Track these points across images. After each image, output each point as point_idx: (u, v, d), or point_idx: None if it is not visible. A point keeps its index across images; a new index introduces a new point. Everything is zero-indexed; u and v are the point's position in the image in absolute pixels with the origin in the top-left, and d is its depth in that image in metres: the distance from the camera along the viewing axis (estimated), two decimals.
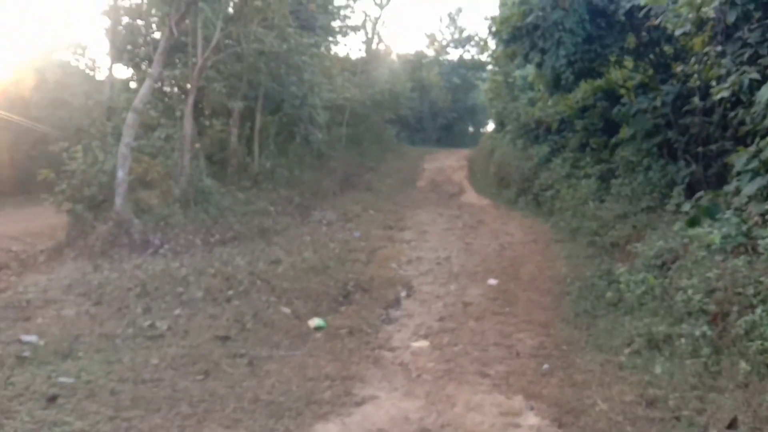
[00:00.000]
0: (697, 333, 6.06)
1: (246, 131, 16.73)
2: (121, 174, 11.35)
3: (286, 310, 7.84)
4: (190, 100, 13.41)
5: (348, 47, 52.57)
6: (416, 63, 38.29)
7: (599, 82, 15.14)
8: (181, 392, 5.24)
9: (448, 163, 28.04)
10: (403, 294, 9.15)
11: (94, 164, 12.42)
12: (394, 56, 36.77)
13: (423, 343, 7.10)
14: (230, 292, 8.42)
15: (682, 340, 6.14)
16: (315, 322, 7.45)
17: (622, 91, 14.40)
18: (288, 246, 11.89)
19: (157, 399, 5.06)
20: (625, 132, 13.29)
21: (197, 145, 13.31)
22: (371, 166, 25.09)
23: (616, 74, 14.77)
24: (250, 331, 7.00)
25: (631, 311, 7.68)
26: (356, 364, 6.27)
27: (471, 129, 48.03)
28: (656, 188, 11.59)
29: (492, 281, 9.67)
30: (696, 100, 10.52)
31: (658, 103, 11.91)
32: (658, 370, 5.68)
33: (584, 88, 15.31)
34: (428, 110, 39.39)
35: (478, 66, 43.20)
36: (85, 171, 12.30)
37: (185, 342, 6.50)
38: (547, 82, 14.10)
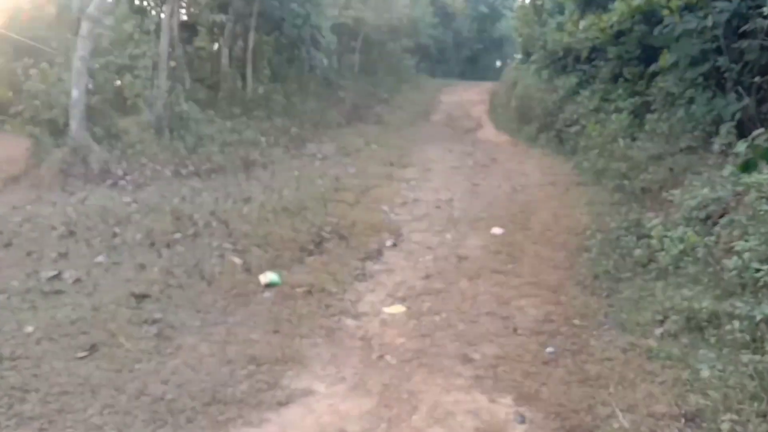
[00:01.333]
0: (758, 315, 4.47)
1: (238, 53, 15.00)
2: (75, 93, 9.85)
3: (237, 260, 6.36)
4: (167, 11, 11.70)
5: None
6: None
7: (638, 1, 13.03)
8: (41, 378, 3.82)
9: (468, 97, 25.95)
10: (389, 243, 7.60)
11: (56, 84, 10.91)
12: None
13: (398, 309, 5.59)
14: (177, 235, 6.97)
15: (735, 323, 4.55)
16: (267, 277, 5.96)
17: (665, 12, 12.27)
18: (270, 181, 10.39)
19: (1, 389, 3.65)
20: (665, 59, 11.32)
21: (173, 64, 11.64)
22: (384, 98, 23.21)
23: None
24: (180, 287, 5.54)
25: (664, 276, 6.09)
26: (302, 338, 4.79)
27: (498, 63, 45.24)
28: (699, 125, 9.76)
29: (496, 230, 8.07)
30: (765, 11, 8.50)
31: (708, 22, 9.89)
32: (703, 370, 4.09)
33: (620, 8, 13.15)
34: (452, 40, 36.81)
35: None
36: (47, 91, 10.80)
37: (89, 301, 5.07)
38: None
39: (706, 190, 6.96)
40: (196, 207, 8.13)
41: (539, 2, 19.32)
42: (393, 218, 8.70)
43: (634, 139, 11.11)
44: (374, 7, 23.59)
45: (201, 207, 8.16)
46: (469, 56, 39.69)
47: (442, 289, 6.05)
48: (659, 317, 5.21)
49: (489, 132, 18.34)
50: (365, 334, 5.04)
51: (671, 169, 9.07)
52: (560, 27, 17.09)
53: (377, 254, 7.18)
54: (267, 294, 5.67)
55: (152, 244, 6.59)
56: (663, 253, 6.41)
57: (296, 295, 5.65)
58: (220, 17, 13.29)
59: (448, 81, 32.57)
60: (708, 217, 6.67)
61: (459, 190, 10.44)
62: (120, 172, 9.98)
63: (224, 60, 14.45)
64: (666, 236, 6.63)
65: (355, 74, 23.71)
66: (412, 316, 5.40)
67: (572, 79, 15.56)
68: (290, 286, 5.83)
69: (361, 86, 23.21)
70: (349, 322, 5.27)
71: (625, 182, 9.70)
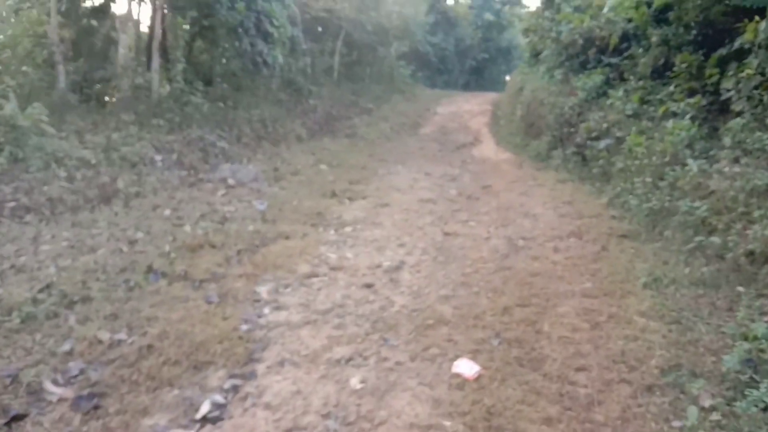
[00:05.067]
0: None
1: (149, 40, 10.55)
2: None
3: None
4: None
5: None
6: None
7: None
8: None
9: (468, 108, 21.33)
10: (205, 409, 3.04)
11: None
12: None
13: None
14: None
15: None
16: None
17: None
18: (104, 229, 5.89)
19: None
20: (754, 30, 6.81)
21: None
22: (367, 108, 18.70)
23: None
24: None
25: None
26: None
27: (508, 77, 40.51)
28: None
29: (465, 367, 3.44)
30: None
31: None
32: None
33: None
34: (454, 49, 32.23)
35: (515, 2, 35.63)
36: None
37: None
38: None
39: None
40: None
41: None
42: (263, 320, 4.12)
43: (707, 158, 6.52)
44: (355, 2, 19.13)
45: None
46: (474, 66, 34.98)
47: None
48: None
49: (487, 148, 13.71)
50: None
51: None
52: (578, 10, 12.55)
53: None
54: None
55: None
56: None
57: None
58: None
59: (449, 92, 28.00)
60: None
61: (419, 246, 5.83)
62: None
63: (122, 49, 10.01)
64: None
65: (334, 81, 19.26)
66: None
67: (596, 77, 10.94)
68: None
69: (341, 94, 18.78)
70: None
71: (712, 239, 5.08)
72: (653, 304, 4.20)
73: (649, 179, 6.74)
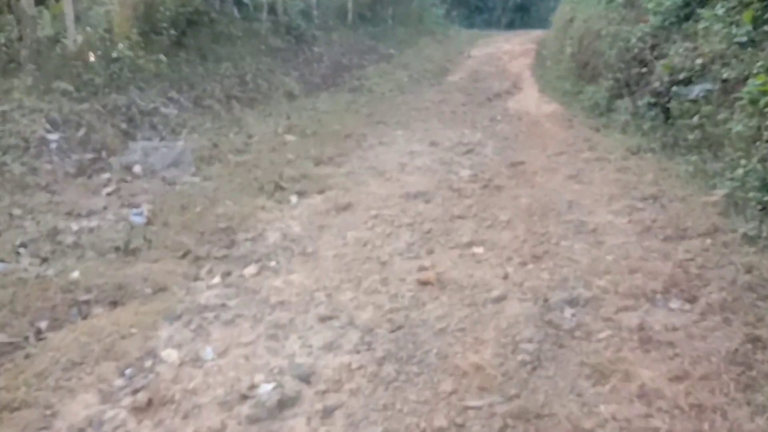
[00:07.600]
0: None
1: None
2: None
3: None
4: None
5: None
6: None
7: None
8: None
9: (508, 48, 17.58)
10: None
11: None
12: None
13: None
14: None
15: None
16: None
17: None
18: None
19: None
20: None
21: None
22: (387, 54, 15.33)
23: None
24: None
25: None
26: None
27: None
28: None
29: None
30: None
31: None
32: None
33: None
34: None
35: None
36: None
37: None
38: None
39: None
40: None
41: None
42: None
43: None
44: None
45: None
46: (518, 3, 30.47)
47: None
48: None
49: (527, 97, 10.30)
50: None
51: None
52: None
53: None
54: None
55: None
56: None
57: None
58: None
59: (489, 32, 24.05)
60: None
61: (361, 321, 2.81)
62: None
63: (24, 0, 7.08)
64: None
65: (348, 23, 15.96)
66: None
67: None
68: None
69: (357, 39, 15.51)
70: None
71: None
72: None
73: None
